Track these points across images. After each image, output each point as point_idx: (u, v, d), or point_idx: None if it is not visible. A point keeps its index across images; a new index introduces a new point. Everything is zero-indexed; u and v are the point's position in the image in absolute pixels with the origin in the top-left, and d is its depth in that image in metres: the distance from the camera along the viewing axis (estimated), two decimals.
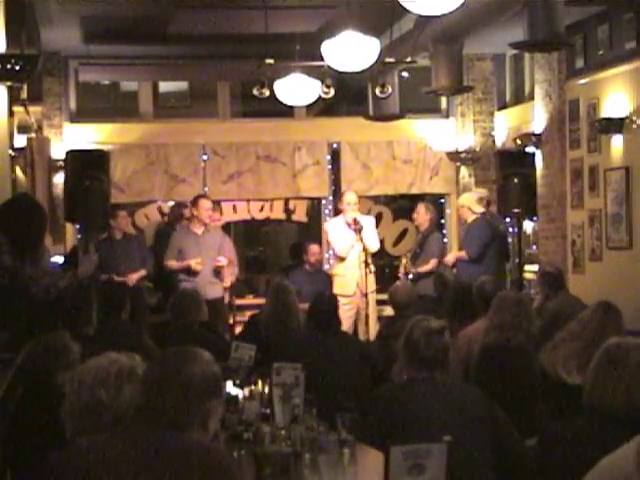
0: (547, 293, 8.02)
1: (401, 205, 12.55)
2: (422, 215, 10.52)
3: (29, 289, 5.68)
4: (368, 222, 9.92)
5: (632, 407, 3.26)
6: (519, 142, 10.46)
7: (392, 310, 7.45)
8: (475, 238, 9.87)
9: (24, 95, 9.43)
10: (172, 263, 9.65)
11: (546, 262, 9.79)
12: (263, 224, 13.08)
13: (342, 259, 9.88)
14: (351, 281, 9.68)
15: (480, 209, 10.08)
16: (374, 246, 9.77)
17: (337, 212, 11.97)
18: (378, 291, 10.01)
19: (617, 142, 8.90)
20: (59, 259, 8.00)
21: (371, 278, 9.60)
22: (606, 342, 3.47)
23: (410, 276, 10.09)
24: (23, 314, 5.53)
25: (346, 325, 9.08)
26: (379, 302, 10.15)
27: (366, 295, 9.47)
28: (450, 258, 10.15)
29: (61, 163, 10.36)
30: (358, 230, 9.53)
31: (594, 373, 3.37)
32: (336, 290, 9.69)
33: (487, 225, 10.04)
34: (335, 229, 9.99)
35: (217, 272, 9.64)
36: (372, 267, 9.53)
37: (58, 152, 10.62)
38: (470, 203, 10.10)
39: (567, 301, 7.67)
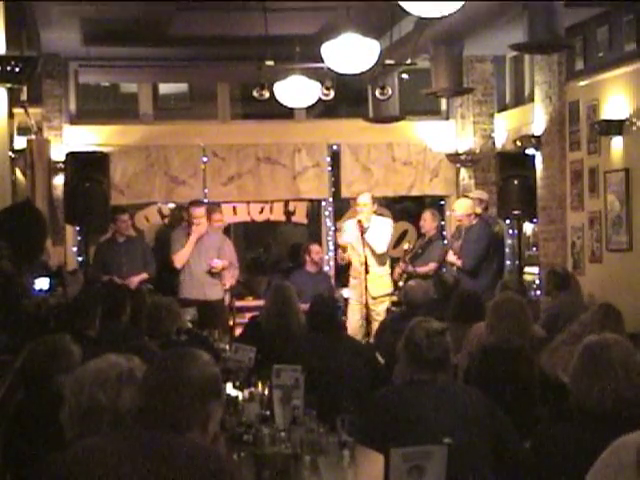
0: (551, 292, 8.04)
1: (401, 207, 12.55)
2: (429, 222, 10.46)
3: (21, 300, 5.70)
4: (380, 224, 9.79)
5: (621, 403, 3.25)
6: (519, 144, 10.46)
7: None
8: (471, 250, 9.72)
9: (24, 97, 9.43)
10: (180, 253, 9.61)
11: (547, 264, 9.79)
12: (273, 225, 13.06)
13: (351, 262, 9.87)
14: (360, 284, 9.63)
15: (478, 210, 10.05)
16: (378, 248, 9.63)
17: (337, 213, 12.01)
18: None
19: (617, 144, 8.89)
20: (44, 282, 7.74)
21: (378, 283, 9.54)
22: (584, 342, 3.46)
23: (409, 267, 10.02)
24: (16, 321, 5.55)
25: (355, 328, 9.13)
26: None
27: (366, 299, 9.47)
28: (450, 258, 10.07)
29: (61, 165, 10.37)
30: (361, 233, 9.49)
31: (579, 374, 3.35)
32: (350, 293, 9.68)
33: (485, 233, 9.87)
34: (346, 231, 9.95)
35: (213, 274, 9.63)
36: (378, 271, 9.51)
37: (58, 154, 10.63)
38: (471, 209, 9.97)
39: (568, 302, 7.68)
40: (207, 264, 9.58)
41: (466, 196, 10.62)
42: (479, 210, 10.06)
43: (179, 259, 9.65)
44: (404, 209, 12.40)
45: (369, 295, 9.50)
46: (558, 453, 3.33)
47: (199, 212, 9.74)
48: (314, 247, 10.62)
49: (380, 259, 9.69)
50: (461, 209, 10.06)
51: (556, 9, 7.05)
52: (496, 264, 9.89)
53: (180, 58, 11.26)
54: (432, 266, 10.15)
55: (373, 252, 9.56)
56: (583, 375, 3.33)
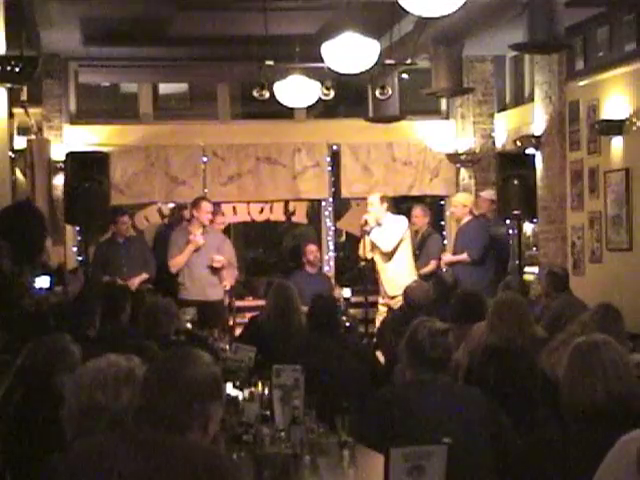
0: (550, 293, 8.03)
1: (401, 207, 12.52)
2: (421, 218, 10.49)
3: (21, 300, 5.69)
4: (393, 222, 9.73)
5: (613, 402, 3.26)
6: (519, 144, 10.46)
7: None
8: (474, 240, 9.83)
9: (24, 97, 9.45)
10: (177, 259, 9.58)
11: (547, 264, 9.79)
12: (273, 225, 13.06)
13: None
14: (381, 284, 9.69)
15: (483, 210, 10.09)
16: (384, 246, 9.57)
17: (337, 213, 12.02)
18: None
19: (617, 144, 8.90)
20: (45, 281, 7.76)
21: (395, 283, 9.47)
22: (573, 343, 3.47)
23: None
24: (16, 320, 5.55)
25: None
26: None
27: (366, 300, 9.49)
28: (447, 259, 10.09)
29: (61, 165, 10.36)
30: (365, 233, 9.49)
31: (570, 374, 3.37)
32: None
33: (485, 227, 10.01)
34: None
35: (214, 269, 9.60)
36: (393, 269, 9.50)
37: (58, 154, 10.62)
38: (471, 203, 10.09)
39: (568, 303, 7.68)
40: (209, 258, 9.53)
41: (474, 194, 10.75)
42: (484, 210, 10.11)
43: (175, 265, 9.62)
44: (403, 209, 12.37)
45: (386, 295, 9.52)
46: (552, 454, 3.33)
47: (210, 207, 9.69)
48: (309, 247, 10.61)
49: (387, 257, 9.65)
50: (460, 198, 10.32)
51: (556, 9, 7.05)
52: (495, 262, 9.94)
53: (180, 58, 11.26)
54: (434, 264, 10.15)
55: (380, 251, 9.56)
56: (573, 375, 3.35)
